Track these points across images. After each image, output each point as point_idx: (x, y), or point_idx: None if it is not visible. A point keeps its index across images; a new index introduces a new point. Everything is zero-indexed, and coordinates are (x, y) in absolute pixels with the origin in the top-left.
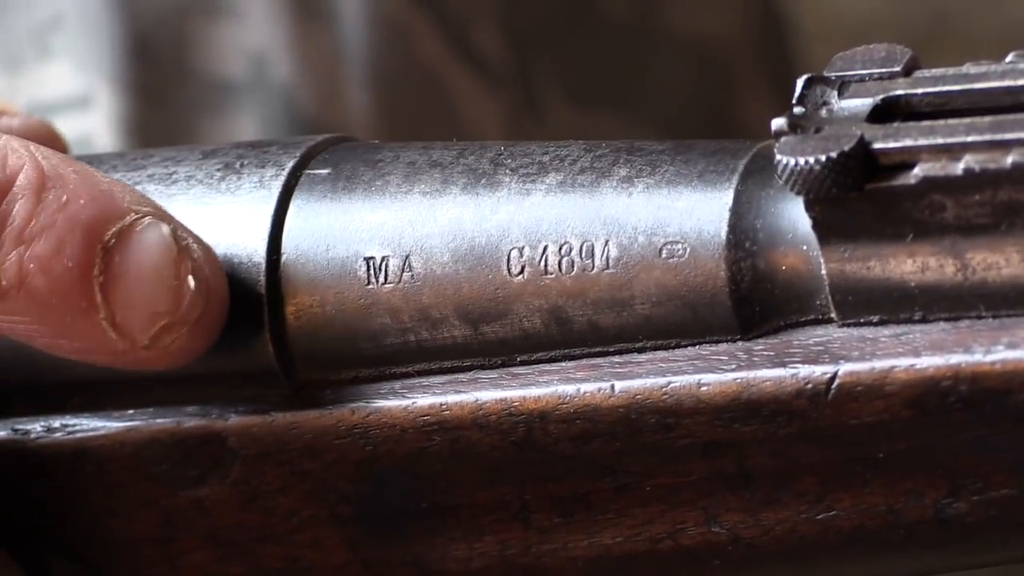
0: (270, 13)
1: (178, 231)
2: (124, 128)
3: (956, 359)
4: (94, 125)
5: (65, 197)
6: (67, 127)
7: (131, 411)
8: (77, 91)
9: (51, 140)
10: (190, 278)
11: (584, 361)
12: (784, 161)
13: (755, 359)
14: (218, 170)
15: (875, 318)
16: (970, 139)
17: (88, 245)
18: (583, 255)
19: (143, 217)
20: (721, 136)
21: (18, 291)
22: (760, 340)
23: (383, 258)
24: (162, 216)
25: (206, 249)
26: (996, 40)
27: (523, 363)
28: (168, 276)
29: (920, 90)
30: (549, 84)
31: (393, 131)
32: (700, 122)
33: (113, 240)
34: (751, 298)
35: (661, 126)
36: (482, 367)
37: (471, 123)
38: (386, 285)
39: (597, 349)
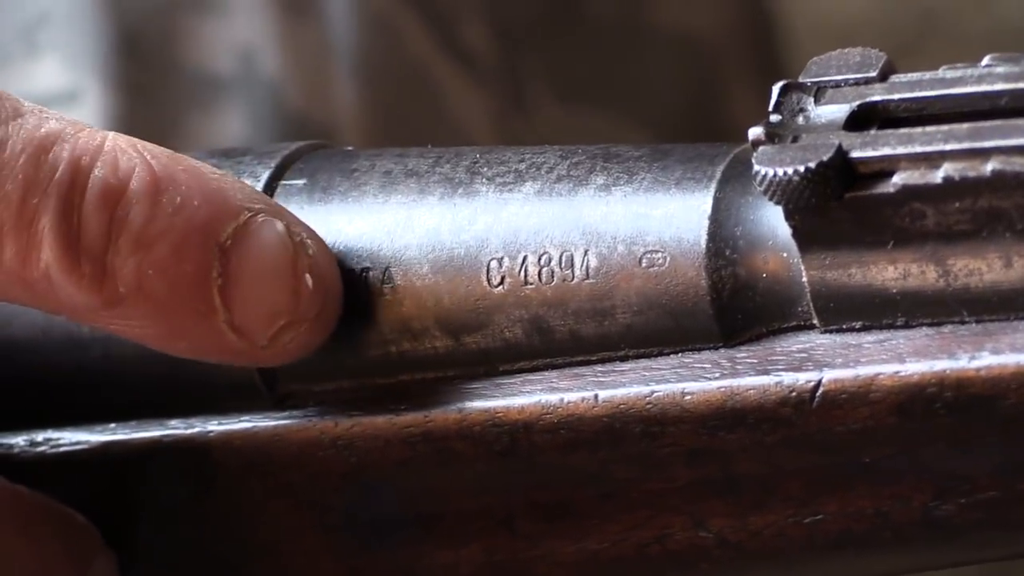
0: (257, 8)
1: (292, 227)
2: (112, 124)
3: (941, 365)
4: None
5: (179, 199)
6: None
7: (113, 424)
8: (65, 87)
9: None
10: (307, 275)
11: (567, 370)
12: (762, 172)
13: (738, 367)
14: None
15: (857, 324)
16: (948, 147)
17: (205, 248)
18: (563, 265)
19: (256, 215)
20: (709, 135)
21: (136, 296)
22: (743, 348)
23: (363, 270)
24: (275, 212)
25: (320, 244)
26: (985, 40)
27: (506, 373)
28: (286, 275)
29: (896, 96)
30: (536, 81)
31: (380, 127)
32: (687, 120)
33: (229, 241)
34: (733, 306)
35: (648, 124)
36: (465, 377)
37: (458, 119)
38: (366, 297)
39: (580, 358)
